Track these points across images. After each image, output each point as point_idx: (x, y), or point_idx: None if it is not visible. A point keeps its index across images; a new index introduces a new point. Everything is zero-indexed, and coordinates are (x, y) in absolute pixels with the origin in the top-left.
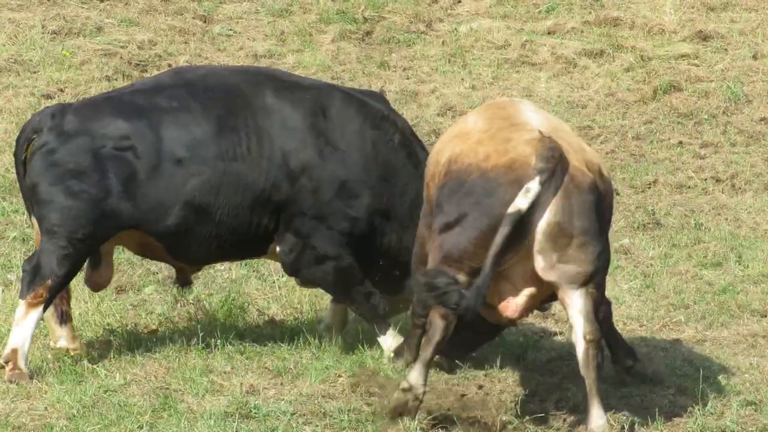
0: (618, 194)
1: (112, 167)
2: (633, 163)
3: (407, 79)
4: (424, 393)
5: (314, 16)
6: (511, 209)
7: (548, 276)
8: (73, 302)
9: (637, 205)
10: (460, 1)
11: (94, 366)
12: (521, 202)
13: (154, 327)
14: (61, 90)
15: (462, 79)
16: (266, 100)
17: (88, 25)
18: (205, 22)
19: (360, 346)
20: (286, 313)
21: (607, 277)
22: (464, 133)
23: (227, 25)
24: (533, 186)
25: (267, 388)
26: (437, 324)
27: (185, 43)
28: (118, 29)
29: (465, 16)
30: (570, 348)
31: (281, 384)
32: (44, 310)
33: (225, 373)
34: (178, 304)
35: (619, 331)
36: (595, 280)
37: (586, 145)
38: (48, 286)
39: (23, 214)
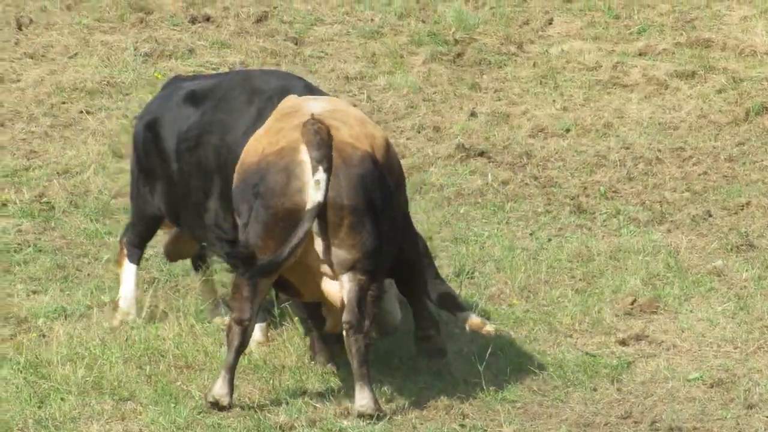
0: (711, 216)
1: None
2: (725, 184)
3: (498, 100)
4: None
5: (405, 38)
6: (310, 205)
7: (326, 259)
8: (168, 323)
9: (730, 226)
10: (551, 23)
11: (188, 387)
12: (317, 196)
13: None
14: None
15: (553, 100)
16: None
17: (180, 48)
18: (296, 44)
19: (452, 369)
20: (380, 334)
21: (696, 298)
22: (255, 137)
23: (318, 47)
24: (321, 176)
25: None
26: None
27: (277, 65)
28: (210, 51)
29: (556, 38)
30: (666, 370)
31: (373, 406)
32: None
33: (319, 395)
34: (271, 326)
35: (712, 353)
36: (364, 265)
37: (370, 121)
38: None
39: (116, 236)
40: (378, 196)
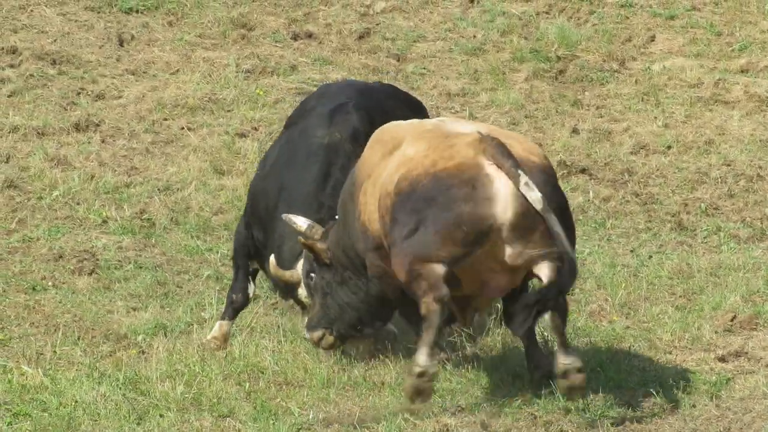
0: None
1: None
2: None
3: (600, 117)
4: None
5: (507, 55)
6: (539, 204)
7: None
8: (268, 340)
9: None
10: (653, 40)
11: (288, 404)
12: (534, 194)
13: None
14: (255, 128)
15: (655, 117)
16: None
17: (282, 64)
18: (398, 60)
19: (551, 385)
20: (481, 351)
21: None
22: (407, 159)
23: (420, 63)
24: (524, 179)
25: (460, 426)
26: (434, 308)
27: (379, 81)
28: (312, 68)
29: (658, 55)
30: (765, 387)
31: (474, 422)
32: None
33: (418, 411)
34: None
35: None
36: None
37: (522, 136)
38: None
39: (217, 252)
40: (564, 199)
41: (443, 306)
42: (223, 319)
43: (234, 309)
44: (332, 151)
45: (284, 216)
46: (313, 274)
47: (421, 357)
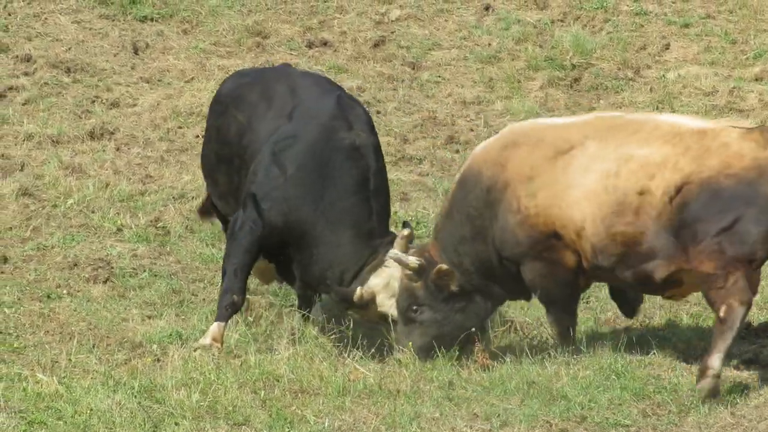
0: None
1: None
2: None
3: None
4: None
5: (523, 63)
6: None
7: None
8: (283, 347)
9: None
10: (668, 48)
11: (303, 412)
12: None
13: (362, 373)
14: None
15: None
16: None
17: None
18: (413, 68)
19: (566, 392)
20: (495, 358)
21: None
22: (659, 160)
23: (436, 71)
24: None
25: None
26: (739, 311)
27: (394, 89)
28: (327, 76)
29: (673, 63)
30: None
31: (489, 430)
32: None
33: (434, 419)
34: (386, 351)
35: None
36: None
37: None
38: None
39: None
40: None
41: (747, 310)
42: (220, 321)
43: (233, 311)
44: (364, 152)
45: (392, 255)
46: (415, 307)
47: (717, 361)
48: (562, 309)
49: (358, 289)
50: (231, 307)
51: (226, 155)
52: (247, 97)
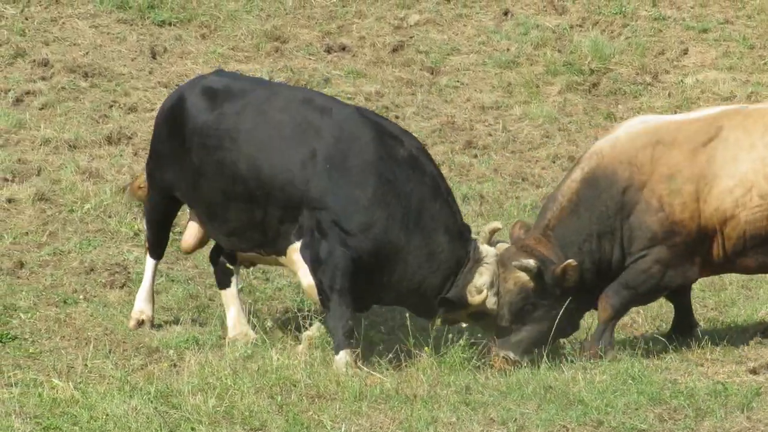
0: None
1: None
2: None
3: None
4: None
5: (541, 68)
6: None
7: None
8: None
9: None
10: (686, 53)
11: (320, 417)
12: None
13: (379, 378)
14: None
15: None
16: None
17: (315, 77)
18: (432, 73)
19: (583, 397)
20: (511, 363)
21: None
22: None
23: (454, 76)
24: None
25: None
26: None
27: (412, 94)
28: (346, 81)
29: (691, 68)
30: None
31: None
32: None
33: (450, 424)
34: (404, 356)
35: None
36: None
37: None
38: None
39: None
40: None
41: None
42: (346, 348)
43: (351, 335)
44: (422, 159)
45: (517, 264)
46: (531, 305)
47: None
48: (642, 302)
49: (474, 292)
50: (349, 332)
51: (240, 192)
52: (242, 126)
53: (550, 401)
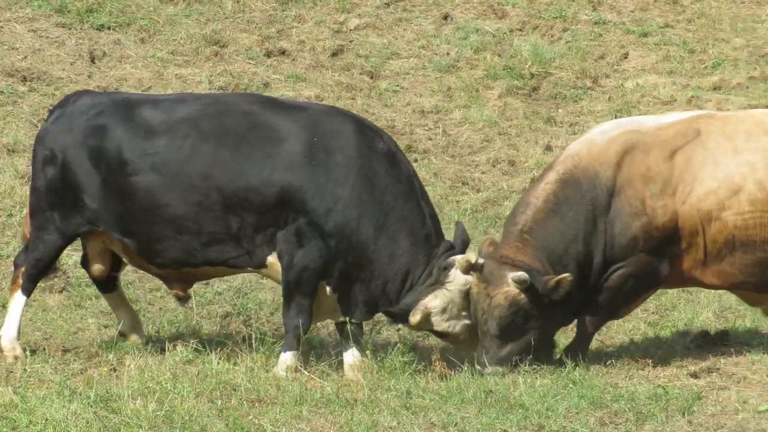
0: None
1: None
2: None
3: (574, 134)
4: None
5: (481, 72)
6: None
7: None
8: (240, 357)
9: None
10: (626, 57)
11: (260, 421)
12: None
13: (319, 382)
14: None
15: None
16: None
17: (255, 81)
18: (372, 78)
19: (524, 401)
20: (452, 367)
21: (767, 331)
22: None
23: (394, 80)
24: None
25: None
26: None
27: (352, 98)
28: (285, 85)
29: (631, 72)
30: (737, 402)
31: None
32: None
33: (391, 428)
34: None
35: None
36: None
37: None
38: None
39: None
40: None
41: None
42: (294, 350)
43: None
44: (399, 157)
45: (513, 277)
46: (521, 316)
47: None
48: (609, 315)
49: (417, 313)
50: (300, 336)
51: (215, 201)
52: (215, 131)
53: (491, 405)
